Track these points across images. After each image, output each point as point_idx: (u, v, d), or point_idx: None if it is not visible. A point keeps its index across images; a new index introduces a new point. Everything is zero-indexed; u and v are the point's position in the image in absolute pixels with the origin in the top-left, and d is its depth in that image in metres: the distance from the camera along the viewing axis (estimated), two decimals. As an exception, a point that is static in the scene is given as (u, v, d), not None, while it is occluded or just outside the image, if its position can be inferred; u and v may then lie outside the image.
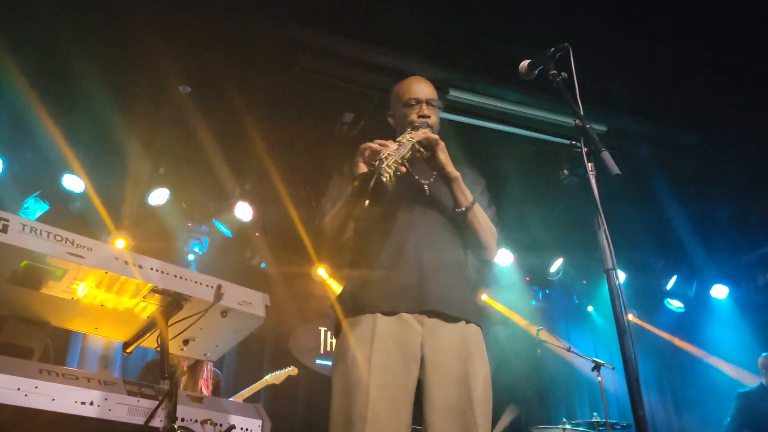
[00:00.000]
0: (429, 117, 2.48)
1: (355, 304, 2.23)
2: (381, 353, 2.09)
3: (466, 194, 2.33)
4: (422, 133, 2.29)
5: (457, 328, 2.21)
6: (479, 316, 2.31)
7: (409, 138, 2.22)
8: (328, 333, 7.18)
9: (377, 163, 1.98)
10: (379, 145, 2.18)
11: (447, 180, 2.33)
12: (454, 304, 2.23)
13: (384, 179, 1.96)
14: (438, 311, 2.19)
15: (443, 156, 2.30)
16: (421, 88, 2.56)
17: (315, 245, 2.46)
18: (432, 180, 2.43)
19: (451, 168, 2.31)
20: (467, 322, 2.24)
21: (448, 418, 2.04)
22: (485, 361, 2.23)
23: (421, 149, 2.27)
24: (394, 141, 2.23)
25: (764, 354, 5.98)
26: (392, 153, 2.08)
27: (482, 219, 2.38)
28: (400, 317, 2.16)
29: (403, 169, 2.11)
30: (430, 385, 2.09)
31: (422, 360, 2.12)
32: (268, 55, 4.86)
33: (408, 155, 2.15)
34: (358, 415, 2.00)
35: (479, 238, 2.38)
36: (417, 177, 2.43)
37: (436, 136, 2.32)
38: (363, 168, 2.17)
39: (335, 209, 2.34)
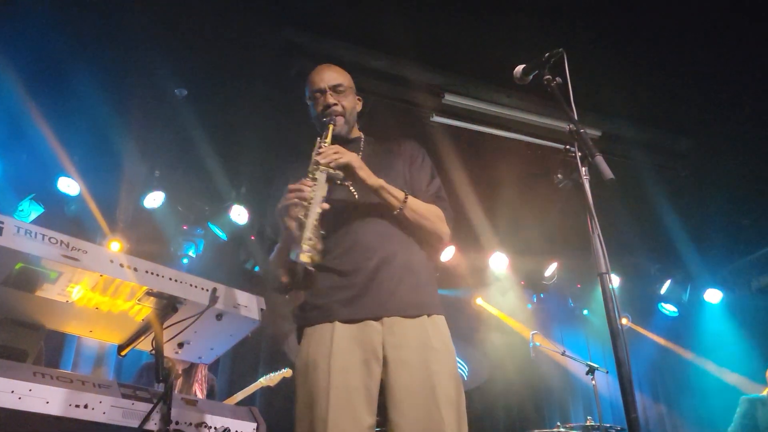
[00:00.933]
0: (335, 105, 2.39)
1: (313, 313, 2.21)
2: (340, 355, 2.07)
3: (396, 195, 2.24)
4: (332, 155, 2.16)
5: (417, 324, 2.15)
6: (440, 306, 2.26)
7: (322, 169, 2.12)
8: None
9: (295, 256, 1.94)
10: (295, 192, 2.08)
11: (373, 191, 2.24)
12: (412, 304, 2.18)
13: (309, 263, 1.94)
14: (398, 313, 2.14)
15: (362, 173, 2.20)
16: (323, 76, 2.45)
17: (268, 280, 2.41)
18: None
19: (372, 180, 2.22)
20: (429, 315, 2.19)
21: (413, 418, 1.99)
22: (450, 355, 2.18)
23: (339, 176, 2.17)
24: (307, 173, 2.14)
25: None
26: (310, 200, 2.03)
27: (421, 209, 2.30)
28: (360, 323, 2.13)
29: (326, 206, 2.07)
30: (393, 385, 2.05)
31: (384, 359, 2.09)
32: (263, 59, 4.87)
33: (326, 189, 2.10)
34: (320, 419, 1.99)
35: (425, 228, 2.31)
36: (339, 182, 2.27)
37: (345, 160, 2.17)
38: (292, 226, 2.07)
39: (276, 251, 2.32)
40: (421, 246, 2.35)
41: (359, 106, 2.56)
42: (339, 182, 2.24)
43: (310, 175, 2.12)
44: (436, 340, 2.14)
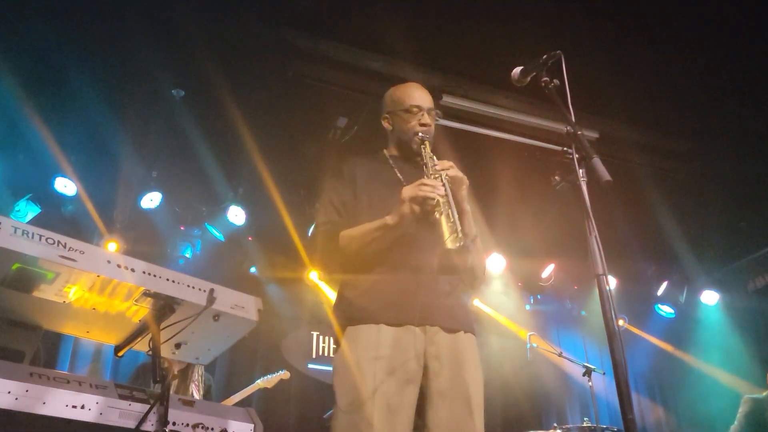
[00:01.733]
0: (429, 126, 2.49)
1: (358, 313, 2.24)
2: (386, 361, 2.11)
3: (472, 228, 2.34)
4: (452, 171, 2.29)
5: (456, 337, 2.25)
6: (473, 325, 2.36)
7: (444, 176, 2.24)
8: (321, 338, 7.17)
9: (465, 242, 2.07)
10: (430, 188, 2.17)
11: (460, 211, 2.26)
12: (455, 316, 2.28)
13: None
14: (439, 323, 2.22)
15: (465, 192, 2.33)
16: (423, 97, 2.55)
17: (318, 256, 2.40)
18: None
19: (466, 204, 2.33)
20: (465, 331, 2.29)
21: (449, 424, 2.09)
22: (480, 369, 2.29)
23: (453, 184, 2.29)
24: (422, 169, 2.30)
25: None
26: (447, 199, 2.15)
27: (480, 250, 2.42)
28: (404, 327, 2.18)
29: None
30: (433, 391, 2.13)
31: (425, 367, 2.16)
32: (261, 60, 4.87)
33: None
34: (365, 422, 2.02)
35: (474, 272, 2.39)
36: None
37: (461, 175, 2.32)
38: (411, 210, 2.18)
39: (362, 232, 2.29)
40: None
41: None
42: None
43: (434, 177, 2.24)
44: (470, 354, 2.26)
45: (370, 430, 2.00)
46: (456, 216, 2.10)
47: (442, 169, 2.26)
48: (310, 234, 2.50)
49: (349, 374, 2.14)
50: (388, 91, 2.64)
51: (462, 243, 2.03)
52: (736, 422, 5.75)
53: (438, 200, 2.15)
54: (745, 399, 5.83)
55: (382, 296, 2.23)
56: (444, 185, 2.20)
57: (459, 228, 2.06)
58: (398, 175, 2.46)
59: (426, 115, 2.50)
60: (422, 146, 2.40)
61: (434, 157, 2.35)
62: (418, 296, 2.21)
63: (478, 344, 2.36)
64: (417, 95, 2.54)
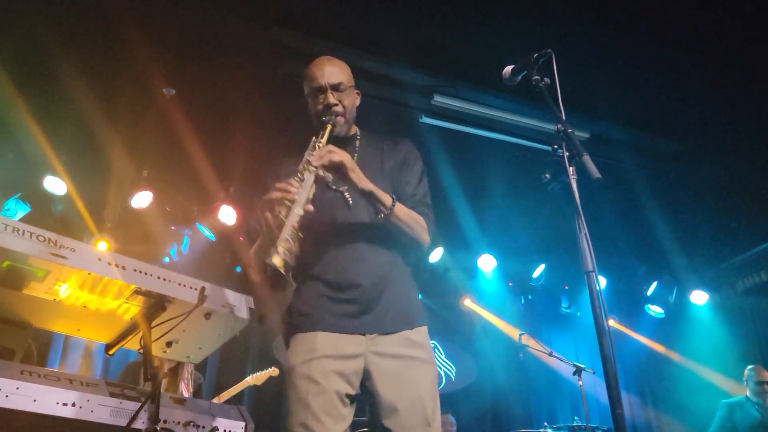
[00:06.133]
0: (336, 105, 2.30)
1: (300, 321, 2.22)
2: (321, 365, 2.10)
3: (383, 201, 2.19)
4: (326, 154, 2.07)
5: (400, 336, 2.20)
6: (423, 317, 2.29)
7: (311, 170, 2.05)
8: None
9: (267, 258, 1.88)
10: (281, 191, 2.00)
11: (362, 195, 2.19)
12: (397, 319, 2.21)
13: (281, 266, 1.88)
14: (384, 329, 2.18)
15: (353, 175, 2.12)
16: (324, 73, 2.34)
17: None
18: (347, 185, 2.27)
19: (363, 184, 2.14)
20: (412, 328, 2.23)
21: (404, 425, 2.07)
22: (432, 364, 2.24)
23: (328, 178, 2.10)
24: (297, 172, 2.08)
25: (750, 366, 6.04)
26: (293, 201, 1.97)
27: (405, 217, 2.25)
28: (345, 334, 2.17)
29: (311, 208, 2.00)
30: (382, 395, 2.10)
31: (368, 370, 2.13)
32: (252, 59, 4.86)
33: (313, 190, 2.05)
34: (300, 424, 2.04)
35: (408, 235, 2.28)
36: (334, 187, 2.28)
37: (339, 159, 2.09)
38: (270, 222, 1.99)
39: (254, 251, 2.32)
40: (407, 252, 2.38)
41: (358, 101, 2.48)
42: (330, 186, 2.21)
43: (299, 175, 2.05)
44: (418, 350, 2.20)
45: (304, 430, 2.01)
46: (292, 226, 1.92)
47: (316, 160, 2.06)
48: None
49: (290, 378, 2.14)
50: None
51: (283, 259, 1.86)
52: (712, 427, 5.85)
53: (286, 205, 1.97)
54: (720, 404, 5.94)
55: (323, 304, 2.20)
56: (303, 181, 2.02)
57: (286, 240, 1.89)
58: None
59: (330, 94, 2.30)
60: (321, 132, 2.19)
61: (321, 145, 2.14)
62: (358, 303, 2.18)
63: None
64: (318, 74, 2.33)
